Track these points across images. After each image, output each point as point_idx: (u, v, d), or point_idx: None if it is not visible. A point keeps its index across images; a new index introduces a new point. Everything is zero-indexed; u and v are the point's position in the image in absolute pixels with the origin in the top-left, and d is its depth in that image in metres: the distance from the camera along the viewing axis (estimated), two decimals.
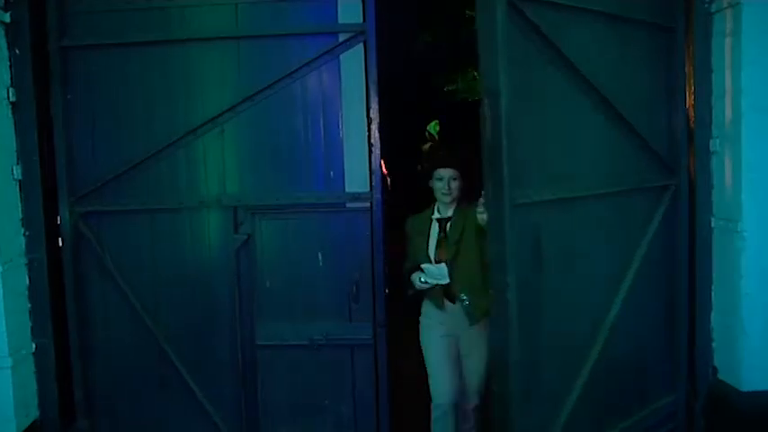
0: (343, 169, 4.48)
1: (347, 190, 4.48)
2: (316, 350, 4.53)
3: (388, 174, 13.63)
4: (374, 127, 4.38)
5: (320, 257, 4.52)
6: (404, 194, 11.80)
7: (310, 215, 4.51)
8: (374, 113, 4.38)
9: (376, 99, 4.38)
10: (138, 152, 4.50)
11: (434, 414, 4.40)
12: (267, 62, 4.47)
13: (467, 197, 4.42)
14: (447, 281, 4.34)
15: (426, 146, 15.97)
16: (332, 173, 4.48)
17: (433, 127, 18.54)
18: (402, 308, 4.85)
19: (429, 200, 4.55)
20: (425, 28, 20.38)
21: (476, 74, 19.77)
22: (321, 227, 4.52)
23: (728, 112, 4.23)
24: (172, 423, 4.68)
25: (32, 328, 4.49)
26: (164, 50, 4.50)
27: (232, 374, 4.62)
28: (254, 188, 4.54)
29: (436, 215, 4.49)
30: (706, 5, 4.31)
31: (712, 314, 4.42)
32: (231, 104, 4.47)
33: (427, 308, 4.54)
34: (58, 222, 4.56)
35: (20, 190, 4.44)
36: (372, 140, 4.40)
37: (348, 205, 4.49)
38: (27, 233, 4.46)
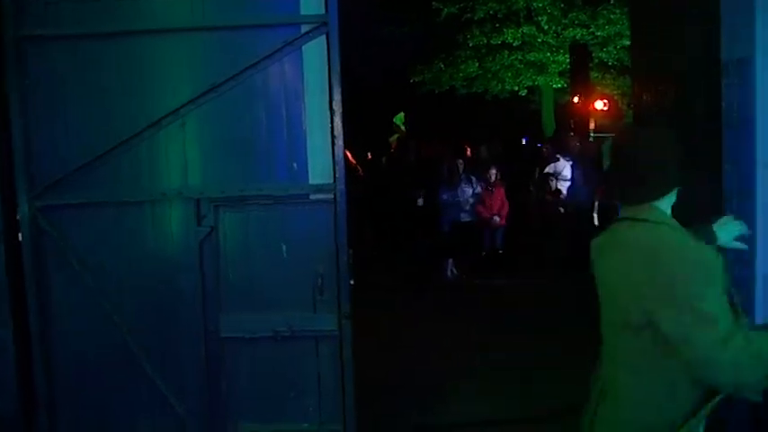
0: (307, 161, 4.47)
1: (311, 182, 4.47)
2: (280, 342, 4.53)
3: (357, 164, 13.69)
4: (337, 118, 4.38)
5: (284, 249, 4.52)
6: (372, 185, 11.92)
7: (274, 207, 4.50)
8: (337, 105, 4.38)
9: (339, 90, 4.37)
10: (99, 145, 4.45)
11: None
12: (229, 54, 4.43)
13: None
14: None
15: (393, 137, 16.05)
16: (295, 164, 4.48)
17: (399, 119, 18.63)
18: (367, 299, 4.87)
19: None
20: (392, 19, 20.49)
21: (442, 65, 19.99)
22: (285, 219, 4.51)
23: None
24: (136, 416, 4.65)
25: None
26: (124, 41, 4.45)
27: (196, 367, 4.59)
28: (216, 180, 4.51)
29: None
30: None
31: None
32: (193, 96, 4.43)
33: None
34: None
35: None
36: (336, 132, 4.39)
37: (312, 197, 4.48)
38: None
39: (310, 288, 4.50)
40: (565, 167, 10.87)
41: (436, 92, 21.50)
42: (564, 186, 10.94)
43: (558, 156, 11.17)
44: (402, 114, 19.46)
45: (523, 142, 19.35)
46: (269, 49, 4.41)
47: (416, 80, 20.98)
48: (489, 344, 7.41)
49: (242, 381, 4.63)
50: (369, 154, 14.46)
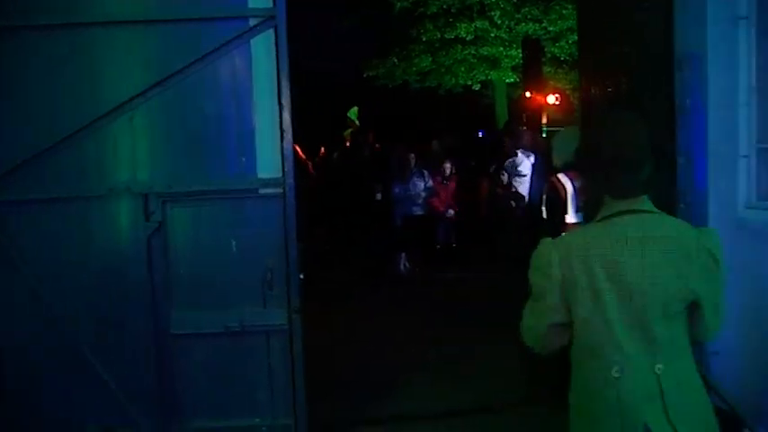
0: (255, 155, 4.46)
1: (259, 176, 4.46)
2: (231, 337, 4.51)
3: (307, 159, 13.63)
4: (286, 113, 4.37)
5: (234, 244, 4.49)
6: (324, 179, 11.90)
7: (223, 202, 4.48)
8: (285, 99, 4.37)
9: (287, 85, 4.37)
10: (44, 139, 4.37)
11: None
12: (177, 47, 4.40)
13: None
14: None
15: (347, 131, 16.02)
16: (244, 159, 4.46)
17: (353, 113, 18.60)
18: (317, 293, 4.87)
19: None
20: (347, 13, 20.43)
21: (396, 60, 19.99)
22: (234, 213, 4.49)
23: None
24: (87, 417, 4.58)
25: None
26: (71, 33, 4.38)
27: (147, 365, 4.55)
28: (165, 175, 4.47)
29: None
30: None
31: None
32: (140, 90, 4.38)
33: None
34: None
35: None
36: (284, 126, 4.38)
37: (261, 191, 4.47)
38: None
39: (260, 283, 4.48)
40: (522, 162, 10.83)
41: (390, 86, 21.52)
42: (520, 182, 10.82)
43: (517, 150, 11.16)
44: (356, 109, 19.44)
45: (480, 135, 19.47)
46: (217, 42, 4.38)
47: (370, 75, 20.97)
48: (442, 337, 7.47)
49: (193, 377, 4.60)
50: (322, 148, 14.40)
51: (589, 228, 2.68)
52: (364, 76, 20.98)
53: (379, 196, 11.39)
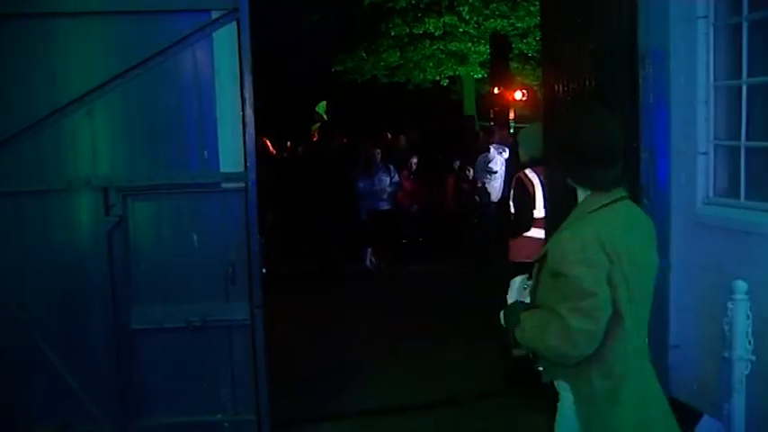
0: (218, 149, 4.43)
1: (221, 170, 4.43)
2: (193, 332, 4.48)
3: (277, 153, 13.58)
4: (248, 106, 4.34)
5: (195, 238, 4.46)
6: (291, 173, 11.85)
7: (184, 196, 4.45)
8: (248, 93, 4.34)
9: (250, 79, 4.33)
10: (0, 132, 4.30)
11: None
12: (137, 39, 4.35)
13: None
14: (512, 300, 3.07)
15: (315, 126, 15.98)
16: (206, 153, 4.42)
17: (321, 107, 18.54)
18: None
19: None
20: (315, 7, 20.32)
21: (364, 54, 19.96)
22: (196, 207, 4.47)
23: None
24: (47, 414, 4.52)
25: None
26: (29, 24, 4.31)
27: (107, 361, 4.50)
28: (125, 169, 4.42)
29: None
30: None
31: None
32: (100, 82, 4.32)
33: None
34: None
35: None
36: (247, 120, 4.35)
37: (223, 185, 4.45)
38: None
39: (222, 277, 4.46)
40: (494, 158, 10.80)
41: (359, 81, 21.49)
42: (491, 178, 10.74)
43: (489, 146, 11.13)
44: (324, 103, 19.37)
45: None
46: (179, 35, 4.34)
47: (338, 69, 20.92)
48: (406, 331, 7.48)
49: (154, 373, 4.57)
50: (288, 143, 14.33)
51: (598, 215, 2.73)
52: (333, 70, 20.93)
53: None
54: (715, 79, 4.50)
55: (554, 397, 3.12)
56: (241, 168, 4.39)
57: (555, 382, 2.98)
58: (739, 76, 4.32)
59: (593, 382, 2.71)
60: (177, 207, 4.46)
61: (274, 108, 23.38)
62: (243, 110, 4.36)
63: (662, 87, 4.51)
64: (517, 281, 3.07)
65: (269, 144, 12.69)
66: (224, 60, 4.38)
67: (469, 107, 21.57)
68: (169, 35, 4.34)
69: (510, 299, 3.02)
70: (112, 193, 4.41)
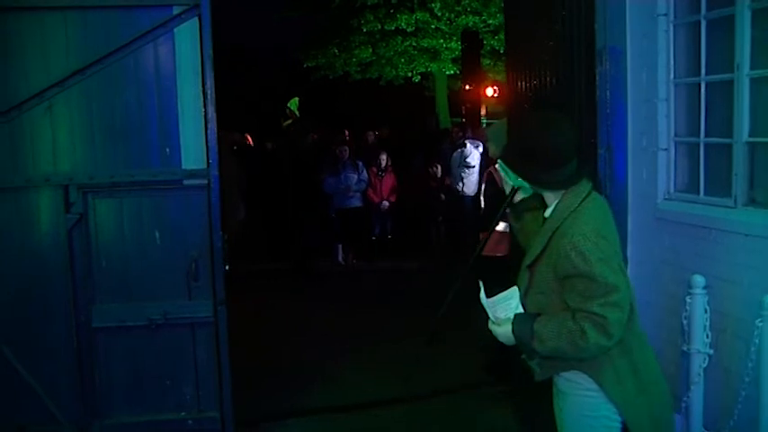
0: (180, 146, 4.40)
1: (184, 167, 4.40)
2: (155, 330, 4.46)
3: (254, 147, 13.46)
4: (210, 103, 4.31)
5: (157, 236, 4.44)
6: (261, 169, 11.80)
7: (146, 193, 4.41)
8: (210, 89, 4.31)
9: (211, 74, 4.31)
10: None
11: None
12: (98, 35, 4.31)
13: None
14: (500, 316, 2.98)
15: (287, 122, 15.91)
16: (168, 149, 4.39)
17: (293, 104, 18.44)
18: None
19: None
20: (287, 3, 20.22)
21: (336, 50, 19.92)
22: (158, 204, 4.43)
23: None
24: (8, 416, 4.46)
25: None
26: None
27: (68, 361, 4.47)
28: (86, 166, 4.38)
29: (548, 211, 3.01)
30: None
31: None
32: (59, 78, 4.27)
33: None
34: None
35: None
36: (209, 117, 4.32)
37: (185, 182, 4.42)
38: None
39: (184, 274, 4.43)
40: (471, 153, 10.80)
41: (330, 77, 21.44)
42: (469, 173, 10.74)
43: (465, 141, 11.13)
44: (296, 99, 19.28)
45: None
46: (140, 30, 4.30)
47: (310, 65, 20.85)
48: (374, 329, 7.49)
49: (116, 372, 4.54)
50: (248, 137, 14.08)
51: (584, 212, 2.85)
52: (304, 66, 20.86)
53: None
54: (675, 76, 4.55)
55: (528, 390, 3.19)
56: (203, 165, 4.37)
57: (559, 378, 3.02)
58: (698, 73, 4.36)
59: (615, 364, 2.85)
60: (139, 204, 4.42)
61: (246, 104, 23.31)
62: (205, 106, 4.33)
63: (619, 84, 4.54)
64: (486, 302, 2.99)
65: (249, 139, 12.65)
66: (186, 56, 4.35)
67: (441, 104, 21.60)
68: (130, 30, 4.30)
69: (493, 312, 2.99)
70: (73, 191, 4.37)
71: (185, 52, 4.35)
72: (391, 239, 11.67)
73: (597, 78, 4.44)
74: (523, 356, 3.04)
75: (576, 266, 2.73)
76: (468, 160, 10.74)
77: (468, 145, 10.87)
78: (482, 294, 2.98)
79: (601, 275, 2.70)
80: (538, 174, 2.87)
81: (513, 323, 2.89)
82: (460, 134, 12.41)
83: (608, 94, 4.48)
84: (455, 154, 11.00)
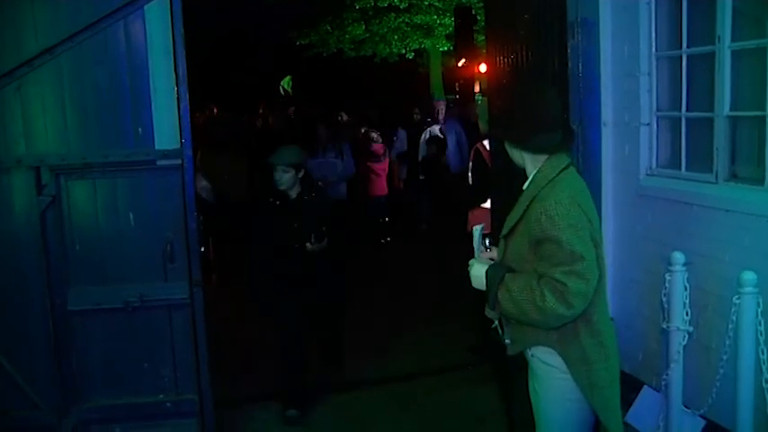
0: (153, 126, 4.31)
1: (157, 147, 4.32)
2: (131, 313, 4.40)
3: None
4: (182, 82, 4.23)
5: (132, 217, 4.37)
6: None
7: (119, 174, 4.34)
8: (182, 69, 4.22)
9: (183, 53, 4.21)
10: None
11: None
12: (65, 13, 4.19)
13: None
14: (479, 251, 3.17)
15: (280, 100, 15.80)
16: (140, 130, 4.31)
17: (286, 82, 18.35)
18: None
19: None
20: None
21: (329, 28, 19.74)
22: (131, 185, 4.36)
23: None
24: None
25: None
26: None
27: (44, 345, 4.41)
28: (58, 147, 4.29)
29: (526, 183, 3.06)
30: None
31: None
32: (28, 58, 4.19)
33: None
34: None
35: None
36: (180, 96, 4.24)
37: (159, 163, 4.34)
38: None
39: (160, 256, 4.37)
40: (436, 132, 10.76)
41: (324, 54, 21.26)
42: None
43: (428, 120, 11.07)
44: (289, 78, 19.19)
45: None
46: (110, 8, 4.20)
47: (303, 43, 20.67)
48: (356, 311, 7.42)
49: (93, 355, 4.49)
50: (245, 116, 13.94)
51: (563, 181, 2.89)
52: (297, 44, 20.68)
53: None
54: (657, 50, 4.47)
55: (513, 368, 3.30)
56: (177, 145, 4.29)
57: (529, 353, 3.04)
58: (680, 46, 4.29)
59: (582, 342, 2.87)
60: (112, 186, 4.35)
61: (239, 82, 23.15)
62: (177, 85, 4.24)
63: (591, 57, 4.47)
64: (477, 229, 3.16)
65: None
66: (157, 35, 4.25)
67: (436, 80, 21.44)
68: (100, 8, 4.19)
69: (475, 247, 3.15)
70: (45, 172, 4.29)
71: (156, 31, 4.25)
72: (382, 222, 11.33)
73: (569, 51, 4.37)
74: (494, 326, 3.13)
75: (545, 230, 2.76)
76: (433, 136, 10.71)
77: (434, 125, 10.87)
78: (477, 228, 3.15)
79: (567, 242, 2.71)
80: (525, 135, 2.92)
81: (488, 267, 2.98)
82: (456, 112, 12.06)
83: (580, 67, 4.41)
84: (423, 135, 10.98)
